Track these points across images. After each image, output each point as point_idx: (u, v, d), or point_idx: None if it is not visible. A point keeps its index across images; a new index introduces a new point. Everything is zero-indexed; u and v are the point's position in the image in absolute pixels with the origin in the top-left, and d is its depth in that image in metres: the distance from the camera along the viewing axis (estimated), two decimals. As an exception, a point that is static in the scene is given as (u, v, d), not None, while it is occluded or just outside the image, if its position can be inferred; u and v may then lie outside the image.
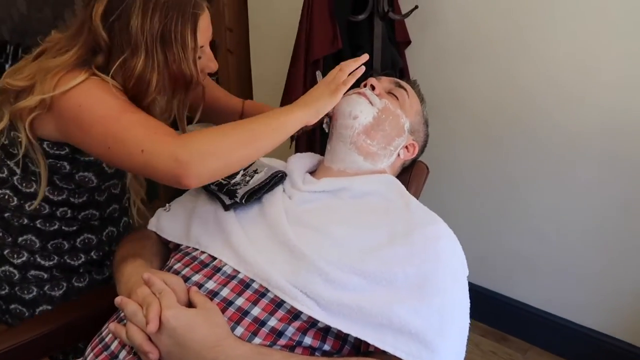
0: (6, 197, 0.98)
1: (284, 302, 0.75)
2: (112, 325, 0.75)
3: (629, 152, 1.45)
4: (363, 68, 0.95)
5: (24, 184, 0.97)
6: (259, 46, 2.18)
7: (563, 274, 1.67)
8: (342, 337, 0.77)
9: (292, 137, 1.16)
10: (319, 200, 0.92)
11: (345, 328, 0.72)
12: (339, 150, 0.98)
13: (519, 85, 1.57)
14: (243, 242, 0.83)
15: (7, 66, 2.73)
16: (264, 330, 0.73)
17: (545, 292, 1.73)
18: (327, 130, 1.02)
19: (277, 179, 0.95)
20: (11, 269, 1.01)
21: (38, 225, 1.01)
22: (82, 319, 0.96)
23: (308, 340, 0.75)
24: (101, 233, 1.10)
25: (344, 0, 1.56)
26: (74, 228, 1.05)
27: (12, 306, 1.03)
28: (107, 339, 0.80)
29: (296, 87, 1.57)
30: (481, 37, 1.60)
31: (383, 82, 1.04)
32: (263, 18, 2.11)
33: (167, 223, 0.98)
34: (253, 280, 0.79)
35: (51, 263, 1.04)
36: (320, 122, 1.02)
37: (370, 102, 0.97)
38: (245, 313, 0.74)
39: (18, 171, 0.96)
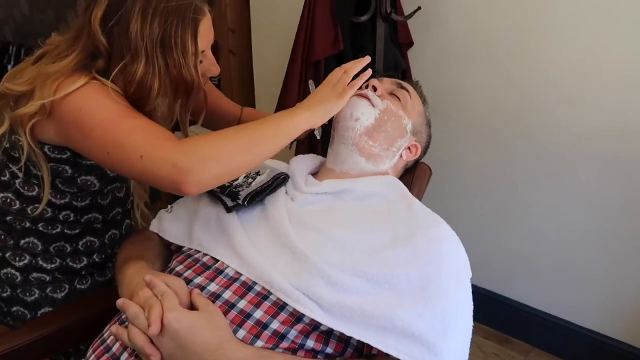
0: (8, 200, 0.98)
1: (287, 304, 0.75)
2: (114, 328, 0.75)
3: (630, 153, 1.45)
4: (370, 71, 0.94)
5: (26, 188, 0.97)
6: (261, 47, 2.18)
7: (565, 275, 1.67)
8: (344, 340, 0.77)
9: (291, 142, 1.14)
10: (321, 202, 0.92)
11: (347, 331, 0.72)
12: (341, 152, 0.98)
13: (521, 86, 1.57)
14: (245, 244, 0.83)
15: (9, 67, 2.73)
16: (266, 333, 0.73)
17: (547, 294, 1.73)
18: (318, 137, 1.01)
19: (280, 180, 0.94)
20: (13, 271, 1.01)
21: (40, 229, 1.00)
22: (84, 321, 0.96)
23: (310, 343, 0.74)
24: (104, 236, 1.10)
25: (347, 1, 1.56)
26: (77, 231, 1.04)
27: (14, 308, 1.03)
28: (108, 341, 0.80)
29: (292, 87, 1.57)
30: (483, 39, 1.60)
31: (385, 83, 1.03)
32: (265, 19, 2.11)
33: (169, 225, 0.98)
34: (255, 283, 0.78)
35: (53, 266, 1.03)
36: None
37: (372, 104, 0.97)
38: (248, 316, 0.74)
39: (20, 175, 0.95)
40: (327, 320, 0.73)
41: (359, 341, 0.75)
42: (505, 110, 1.62)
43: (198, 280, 0.81)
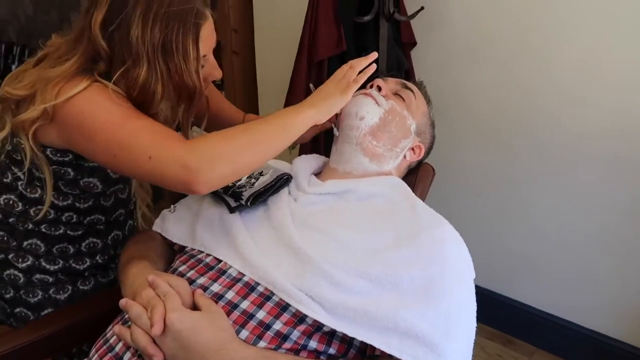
0: (11, 202, 0.98)
1: (289, 305, 0.75)
2: (117, 328, 0.75)
3: (632, 153, 1.44)
4: (374, 66, 0.94)
5: (28, 190, 0.97)
6: (264, 47, 2.18)
7: (568, 276, 1.66)
8: (347, 341, 0.76)
9: (291, 147, 1.14)
10: (324, 203, 0.91)
11: (350, 332, 0.72)
12: (344, 152, 0.98)
13: (524, 86, 1.57)
14: (248, 245, 0.83)
15: (13, 67, 2.74)
16: (269, 333, 0.73)
17: (551, 295, 1.72)
18: (336, 134, 1.01)
19: (283, 181, 0.94)
20: (16, 272, 1.01)
21: (43, 230, 1.00)
22: (87, 321, 0.96)
23: (313, 344, 0.74)
24: (106, 237, 1.09)
25: (350, 2, 1.56)
26: (79, 232, 1.04)
27: (17, 309, 1.03)
28: (111, 341, 0.80)
29: (298, 88, 1.57)
30: (486, 39, 1.59)
31: (389, 83, 1.03)
32: (268, 19, 2.11)
33: (172, 225, 0.98)
34: (258, 284, 0.78)
35: (56, 267, 1.03)
36: (330, 126, 1.01)
37: (377, 103, 0.97)
38: (251, 316, 0.74)
39: (23, 177, 0.95)
40: (330, 321, 0.73)
41: (361, 342, 0.74)
42: (508, 111, 1.62)
43: (201, 280, 0.81)
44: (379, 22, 1.52)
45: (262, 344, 0.72)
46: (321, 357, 0.75)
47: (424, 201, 0.99)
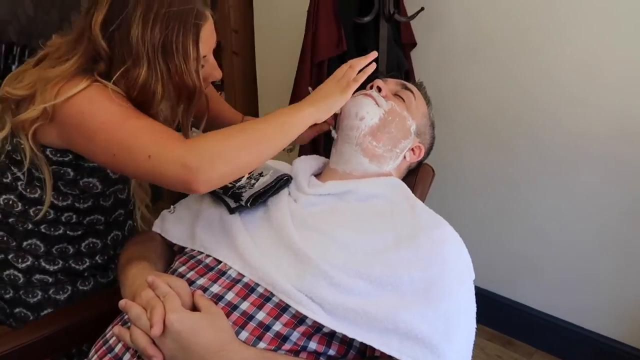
0: (10, 202, 0.98)
1: (289, 306, 0.75)
2: (116, 329, 0.75)
3: (633, 154, 1.44)
4: (374, 65, 0.94)
5: (28, 190, 0.96)
6: (264, 48, 2.18)
7: (568, 277, 1.66)
8: (347, 342, 0.76)
9: (289, 149, 1.14)
10: (324, 204, 0.91)
11: (350, 333, 0.72)
12: (344, 152, 0.98)
13: (524, 87, 1.57)
14: (248, 246, 0.83)
15: (13, 67, 2.74)
16: (269, 334, 0.72)
17: (551, 296, 1.72)
18: (334, 137, 1.01)
19: (283, 182, 0.94)
20: (15, 272, 1.01)
21: (43, 230, 1.00)
22: (86, 321, 0.96)
23: (313, 345, 0.74)
24: (106, 237, 1.09)
25: (350, 2, 1.56)
26: (79, 232, 1.04)
27: (17, 310, 1.03)
28: (111, 341, 0.80)
29: (303, 89, 1.57)
30: (487, 39, 1.59)
31: (389, 84, 1.03)
32: (268, 20, 2.11)
33: (171, 225, 0.98)
34: (258, 284, 0.78)
35: (56, 267, 1.03)
36: (328, 128, 1.02)
37: (377, 103, 0.97)
38: (250, 317, 0.74)
39: (22, 177, 0.95)
40: (329, 322, 0.73)
41: (361, 343, 0.74)
42: (508, 111, 1.62)
43: (200, 281, 0.81)
44: (379, 22, 1.52)
45: (261, 345, 0.71)
46: (321, 358, 0.75)
47: (423, 202, 0.99)
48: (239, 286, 0.78)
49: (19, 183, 0.96)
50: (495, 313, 1.81)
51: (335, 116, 0.99)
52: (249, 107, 2.32)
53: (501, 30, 1.56)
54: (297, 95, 1.61)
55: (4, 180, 0.98)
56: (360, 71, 0.92)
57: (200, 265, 0.85)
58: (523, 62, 1.55)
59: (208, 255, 0.86)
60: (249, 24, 2.18)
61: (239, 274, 0.81)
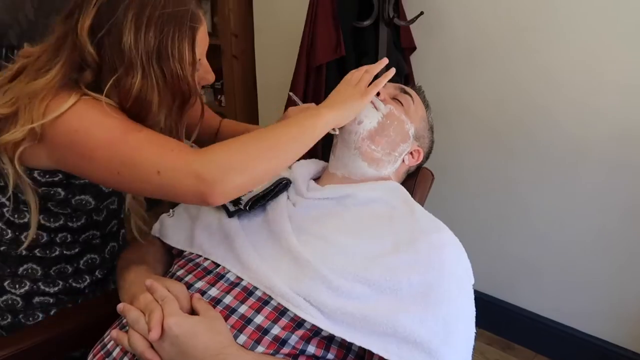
0: None
1: (288, 310, 0.75)
2: (115, 332, 0.75)
3: (634, 157, 1.44)
4: (394, 70, 0.94)
5: (16, 216, 0.90)
6: (264, 51, 2.18)
7: (568, 281, 1.66)
8: (346, 346, 0.76)
9: None
10: (323, 208, 0.91)
11: (349, 337, 0.72)
12: (343, 156, 0.98)
13: (524, 90, 1.57)
14: (247, 249, 0.83)
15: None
16: (267, 338, 0.72)
17: (551, 300, 1.72)
18: (336, 133, 0.99)
19: (282, 186, 0.94)
20: (14, 297, 0.95)
21: (38, 254, 0.94)
22: (84, 326, 0.96)
23: (311, 349, 0.74)
24: (104, 251, 1.05)
25: (349, 6, 1.56)
26: (76, 250, 0.98)
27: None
28: (109, 346, 0.80)
29: (298, 93, 1.57)
30: (486, 43, 1.60)
31: (388, 88, 1.03)
32: (268, 23, 2.12)
33: (170, 229, 0.98)
34: (256, 288, 0.78)
35: (56, 288, 0.98)
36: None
37: (375, 107, 0.97)
38: (249, 321, 0.74)
39: (8, 203, 0.88)
40: (328, 326, 0.72)
41: (360, 347, 0.74)
42: (508, 115, 1.62)
43: (199, 284, 0.81)
44: (379, 27, 1.53)
45: (260, 348, 0.71)
46: (319, 362, 0.75)
47: (422, 206, 0.99)
48: (237, 289, 0.78)
49: (4, 210, 0.90)
50: (495, 317, 1.81)
51: None
52: (249, 111, 2.32)
53: (500, 34, 1.56)
54: (290, 99, 1.61)
55: None
56: (381, 76, 0.92)
57: (199, 269, 0.85)
58: (523, 65, 1.55)
59: (206, 259, 0.86)
60: (249, 28, 2.18)
61: (238, 277, 0.81)
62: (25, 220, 0.90)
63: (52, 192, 0.87)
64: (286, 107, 1.63)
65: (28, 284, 0.95)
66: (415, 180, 1.10)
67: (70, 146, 0.77)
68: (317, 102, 0.98)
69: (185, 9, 0.80)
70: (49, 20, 0.88)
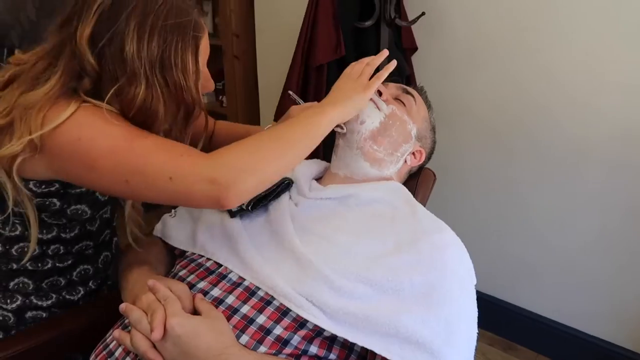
0: None
1: (290, 310, 0.75)
2: (117, 332, 0.75)
3: (635, 157, 1.44)
4: (395, 62, 0.93)
5: (7, 228, 0.86)
6: (265, 52, 2.18)
7: (570, 282, 1.66)
8: (348, 346, 0.76)
9: None
10: (325, 208, 0.91)
11: (351, 337, 0.72)
12: (345, 156, 0.98)
13: (526, 91, 1.57)
14: (249, 250, 0.83)
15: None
16: (269, 338, 0.72)
17: (552, 301, 1.72)
18: (344, 131, 0.97)
19: (284, 186, 0.94)
20: (5, 313, 0.92)
21: (29, 267, 0.91)
22: (87, 326, 0.95)
23: (314, 349, 0.74)
24: (97, 261, 1.01)
25: (351, 7, 1.56)
26: (69, 262, 0.95)
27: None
28: (111, 346, 0.80)
29: (293, 90, 1.57)
30: (487, 44, 1.60)
31: (390, 88, 1.03)
32: (269, 24, 2.12)
33: (172, 229, 0.98)
34: (259, 288, 0.78)
35: (49, 302, 0.95)
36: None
37: (378, 107, 0.97)
38: (251, 321, 0.74)
39: None
40: (330, 326, 0.73)
41: (362, 347, 0.74)
42: (510, 115, 1.62)
43: (201, 285, 0.81)
44: (380, 27, 1.53)
45: (262, 349, 0.71)
46: (321, 362, 0.75)
47: (424, 206, 0.99)
48: (239, 290, 0.78)
49: None
50: (497, 318, 1.81)
51: None
52: (250, 111, 2.32)
53: (501, 34, 1.56)
54: (286, 99, 1.61)
55: None
56: (381, 69, 0.91)
57: (201, 269, 0.85)
58: (524, 66, 1.55)
59: (209, 259, 0.86)
60: (250, 28, 2.19)
61: (240, 277, 0.81)
62: (17, 233, 0.87)
63: (47, 202, 0.84)
64: (280, 106, 1.63)
65: (20, 298, 0.92)
66: (417, 181, 1.10)
67: (72, 156, 0.74)
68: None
69: (188, 20, 0.79)
70: (51, 20, 0.85)
